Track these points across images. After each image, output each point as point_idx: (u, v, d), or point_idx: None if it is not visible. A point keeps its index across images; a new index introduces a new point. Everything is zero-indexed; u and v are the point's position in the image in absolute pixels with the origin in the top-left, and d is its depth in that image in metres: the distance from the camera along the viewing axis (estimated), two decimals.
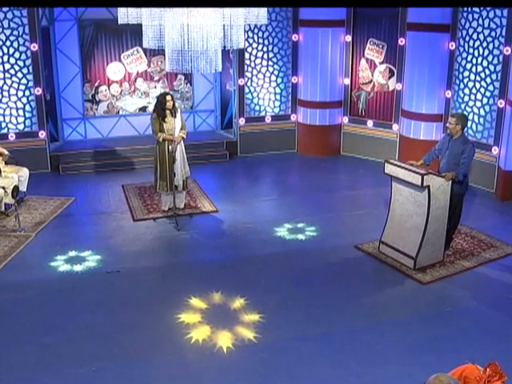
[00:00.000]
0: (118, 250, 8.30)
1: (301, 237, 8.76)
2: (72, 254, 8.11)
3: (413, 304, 7.05)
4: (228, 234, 8.89)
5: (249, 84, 12.52)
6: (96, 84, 12.17)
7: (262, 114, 12.80)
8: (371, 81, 12.24)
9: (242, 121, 12.62)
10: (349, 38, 12.19)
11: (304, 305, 6.98)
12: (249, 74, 12.47)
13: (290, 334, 6.43)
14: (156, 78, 12.54)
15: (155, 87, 12.56)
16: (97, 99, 12.26)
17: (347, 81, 12.46)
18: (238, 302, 6.99)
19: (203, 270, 7.81)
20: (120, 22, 6.64)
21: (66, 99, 12.05)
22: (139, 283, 7.42)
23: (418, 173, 7.53)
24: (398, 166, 7.82)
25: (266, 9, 6.10)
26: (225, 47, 6.26)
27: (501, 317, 6.76)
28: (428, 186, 7.50)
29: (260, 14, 5.95)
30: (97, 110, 12.32)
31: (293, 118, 12.97)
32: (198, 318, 6.64)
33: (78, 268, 7.76)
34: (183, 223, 9.14)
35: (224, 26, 5.91)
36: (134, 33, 12.04)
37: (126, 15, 6.33)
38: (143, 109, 12.60)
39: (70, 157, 11.59)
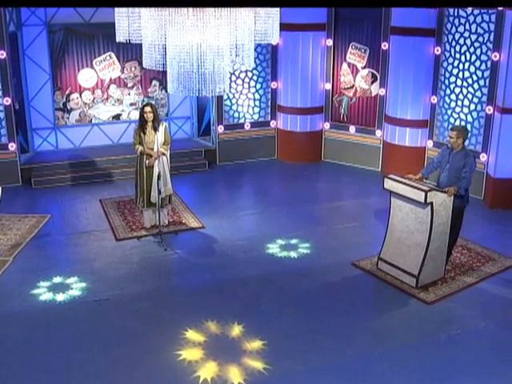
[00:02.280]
0: (103, 274, 7.79)
1: (294, 254, 8.41)
2: (55, 280, 7.58)
3: (421, 327, 6.77)
4: (218, 253, 8.47)
5: (227, 90, 12.04)
6: (67, 92, 11.55)
7: (241, 120, 12.40)
8: (353, 86, 11.96)
9: (220, 128, 12.19)
10: (330, 42, 11.87)
11: (309, 331, 6.63)
12: (227, 80, 11.99)
13: (299, 365, 6.07)
14: (130, 85, 11.99)
15: (129, 94, 12.02)
16: (68, 107, 11.65)
17: (328, 86, 12.14)
18: (238, 330, 6.61)
19: (196, 294, 7.38)
20: (118, 40, 6.12)
21: (36, 108, 11.41)
22: (131, 313, 6.94)
23: (420, 189, 7.25)
24: (399, 182, 7.52)
25: (278, 26, 5.69)
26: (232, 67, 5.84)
27: None
28: (431, 203, 7.23)
29: (274, 34, 5.51)
30: (68, 118, 11.71)
31: (272, 124, 12.60)
32: (200, 353, 6.20)
33: (62, 297, 7.24)
34: (169, 241, 8.69)
35: (236, 45, 5.47)
36: (107, 37, 11.50)
37: (126, 32, 5.80)
38: (117, 117, 12.04)
39: (43, 169, 10.98)
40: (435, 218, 7.31)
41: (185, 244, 8.70)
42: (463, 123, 10.53)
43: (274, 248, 8.59)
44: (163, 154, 8.75)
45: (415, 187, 7.33)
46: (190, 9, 5.05)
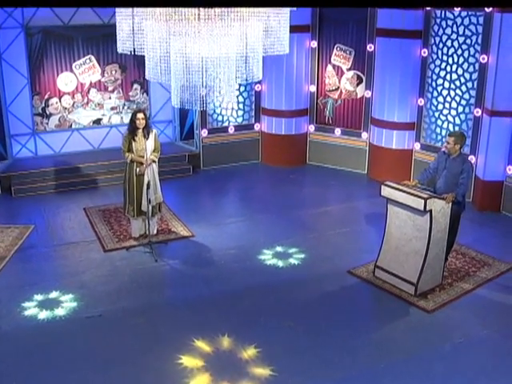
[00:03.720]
0: (93, 288, 7.52)
1: (288, 263, 8.25)
2: (44, 296, 7.28)
3: (424, 336, 6.66)
4: (210, 263, 8.26)
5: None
6: (46, 96, 11.19)
7: (225, 124, 12.19)
8: (338, 88, 11.83)
9: (204, 132, 11.96)
10: (314, 44, 11.72)
11: (311, 345, 6.48)
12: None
13: (306, 381, 5.90)
14: (110, 88, 11.68)
15: (110, 98, 11.71)
16: (47, 112, 11.28)
17: (313, 88, 12.00)
18: (239, 345, 6.40)
19: (191, 308, 7.16)
20: (120, 51, 5.85)
21: (14, 113, 11.01)
22: (126, 330, 6.69)
23: (419, 197, 7.14)
24: (397, 189, 7.40)
25: (288, 36, 5.48)
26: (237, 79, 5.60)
27: None
28: (430, 210, 7.13)
29: (284, 44, 5.31)
30: (47, 124, 11.34)
31: (256, 127, 12.42)
32: (206, 376, 5.97)
33: (53, 314, 6.95)
34: (159, 251, 8.45)
35: (246, 57, 5.26)
36: (86, 40, 11.20)
37: (130, 46, 5.53)
38: (97, 121, 11.72)
39: (23, 177, 10.62)
40: (434, 225, 7.22)
41: (176, 254, 8.47)
42: (451, 126, 10.50)
43: (266, 257, 8.42)
44: (153, 161, 8.52)
45: (414, 194, 7.22)
46: (196, 17, 4.83)
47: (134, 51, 5.55)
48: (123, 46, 5.54)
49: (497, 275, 8.01)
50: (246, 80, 5.57)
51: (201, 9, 4.59)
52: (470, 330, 6.79)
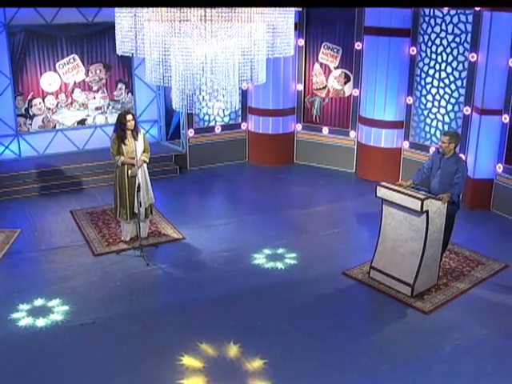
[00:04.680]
0: (85, 294, 7.34)
1: (282, 265, 8.15)
2: (35, 303, 7.08)
3: (423, 338, 6.60)
4: (203, 267, 8.12)
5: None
6: (29, 97, 10.94)
7: (212, 123, 12.05)
8: (326, 86, 11.76)
9: (191, 132, 11.81)
10: (302, 42, 11.63)
11: (311, 348, 6.39)
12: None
13: None
14: (95, 88, 11.47)
15: (94, 98, 11.49)
16: (31, 113, 11.03)
17: (300, 87, 11.92)
18: (236, 350, 6.29)
19: (187, 313, 7.01)
20: (119, 53, 5.68)
21: None
22: (121, 337, 6.53)
23: (416, 197, 7.09)
24: (393, 190, 7.34)
25: (292, 40, 5.35)
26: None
27: None
28: (427, 211, 7.08)
29: (289, 47, 5.18)
30: (31, 125, 11.09)
31: (243, 126, 12.30)
32: (203, 381, 5.86)
33: (44, 322, 6.76)
34: (150, 255, 8.30)
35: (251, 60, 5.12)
36: (70, 39, 10.99)
37: (130, 47, 5.36)
38: (82, 122, 11.50)
39: (6, 179, 10.35)
40: (430, 225, 7.17)
41: (167, 257, 8.32)
42: (440, 124, 10.48)
43: (259, 259, 8.31)
44: (145, 162, 8.36)
45: (410, 195, 7.16)
46: (198, 19, 4.68)
47: (136, 51, 5.39)
48: (122, 47, 5.37)
49: (491, 274, 8.00)
50: (252, 82, 5.44)
51: (206, 9, 4.46)
52: (468, 331, 6.75)
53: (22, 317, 6.84)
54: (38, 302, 7.11)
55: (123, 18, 5.21)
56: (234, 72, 5.11)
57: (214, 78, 5.18)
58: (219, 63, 5.03)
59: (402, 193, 7.24)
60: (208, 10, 4.51)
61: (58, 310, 6.97)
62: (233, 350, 6.33)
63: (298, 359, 6.21)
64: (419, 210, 7.03)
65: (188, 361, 6.13)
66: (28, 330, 6.64)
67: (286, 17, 5.07)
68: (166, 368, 6.02)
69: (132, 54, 5.54)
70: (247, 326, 6.79)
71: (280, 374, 5.97)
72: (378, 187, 7.50)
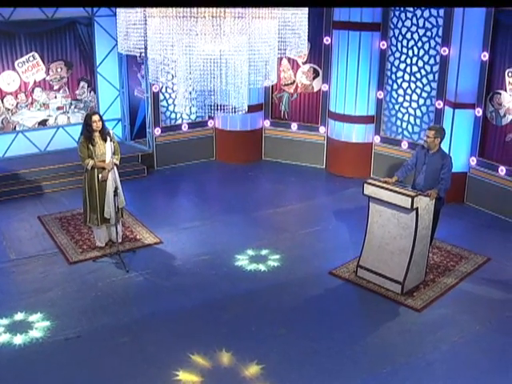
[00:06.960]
0: (65, 306, 6.97)
1: (266, 267, 7.95)
2: (11, 319, 6.66)
3: (420, 337, 6.53)
4: (185, 272, 7.84)
5: (163, 90, 11.36)
6: None
7: (179, 121, 11.73)
8: (294, 82, 11.60)
9: (157, 131, 11.46)
10: None
11: (308, 352, 6.22)
12: (163, 79, 11.26)
13: None
14: (56, 87, 10.98)
15: (55, 97, 11.01)
16: None
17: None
18: (230, 358, 6.06)
19: (175, 322, 6.73)
20: (120, 50, 5.31)
21: None
22: (110, 351, 6.20)
23: (406, 195, 7.00)
24: (381, 188, 7.23)
25: (306, 39, 5.08)
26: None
27: (508, 340, 6.46)
28: (416, 208, 7.01)
29: (302, 45, 4.92)
30: None
31: (210, 124, 12.02)
32: None
33: (25, 338, 6.35)
34: (129, 261, 7.97)
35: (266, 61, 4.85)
36: (29, 36, 10.48)
37: (134, 46, 5.01)
38: (43, 122, 11.01)
39: None
40: (419, 222, 7.10)
41: (147, 263, 8.00)
42: (412, 118, 10.47)
43: (242, 261, 8.10)
44: (116, 165, 8.02)
45: (399, 192, 7.07)
46: (207, 17, 4.42)
47: (144, 50, 5.07)
48: (125, 45, 5.02)
49: (475, 268, 8.02)
50: (262, 84, 5.20)
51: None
52: (462, 328, 6.71)
53: (0, 334, 6.42)
54: (17, 317, 6.70)
55: (127, 13, 4.88)
56: (242, 71, 4.85)
57: (225, 78, 4.89)
58: (230, 62, 4.76)
59: (391, 190, 7.14)
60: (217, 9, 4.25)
61: (38, 326, 6.57)
62: (227, 358, 6.11)
63: (296, 364, 6.03)
64: (409, 207, 6.95)
65: (184, 376, 5.85)
66: (7, 347, 6.23)
67: (300, 14, 4.82)
68: (161, 382, 5.74)
69: (140, 53, 5.22)
70: (239, 332, 6.57)
71: (280, 379, 5.78)
72: (365, 185, 7.38)
